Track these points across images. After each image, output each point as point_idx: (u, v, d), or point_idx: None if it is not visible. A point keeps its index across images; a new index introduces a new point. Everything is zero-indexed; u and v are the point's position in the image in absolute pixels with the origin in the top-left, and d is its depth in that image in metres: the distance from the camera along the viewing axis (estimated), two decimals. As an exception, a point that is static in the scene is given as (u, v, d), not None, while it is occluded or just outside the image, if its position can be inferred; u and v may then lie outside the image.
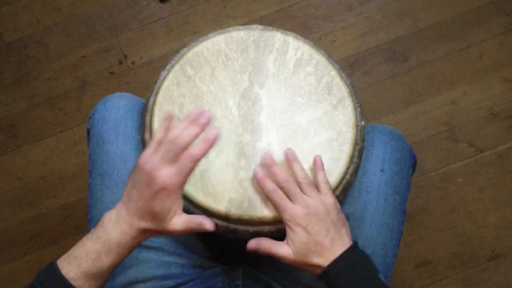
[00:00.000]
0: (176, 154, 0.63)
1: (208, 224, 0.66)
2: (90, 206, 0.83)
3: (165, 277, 0.80)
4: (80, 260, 0.64)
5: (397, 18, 1.32)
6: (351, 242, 0.69)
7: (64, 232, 1.28)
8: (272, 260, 0.84)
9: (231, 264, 0.83)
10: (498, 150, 1.25)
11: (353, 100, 0.79)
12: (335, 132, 0.77)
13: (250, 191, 0.73)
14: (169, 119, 0.67)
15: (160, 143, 0.65)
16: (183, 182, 0.64)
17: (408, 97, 1.28)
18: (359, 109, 0.79)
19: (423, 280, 1.21)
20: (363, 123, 0.79)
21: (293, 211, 0.68)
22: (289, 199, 0.70)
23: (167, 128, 0.67)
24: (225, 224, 0.73)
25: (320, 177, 0.72)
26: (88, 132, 0.86)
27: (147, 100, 0.79)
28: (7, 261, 1.28)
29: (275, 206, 0.70)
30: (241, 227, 0.73)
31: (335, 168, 0.75)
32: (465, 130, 1.26)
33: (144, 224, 0.65)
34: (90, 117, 0.86)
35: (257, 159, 0.75)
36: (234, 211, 0.72)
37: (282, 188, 0.70)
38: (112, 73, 1.34)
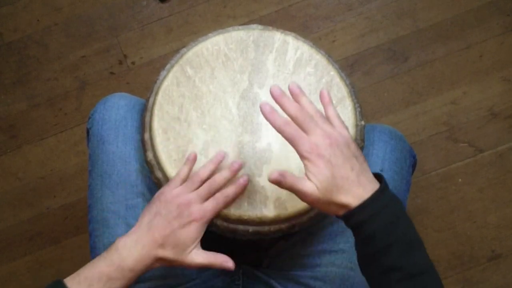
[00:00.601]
0: (210, 193, 0.71)
1: (230, 263, 0.70)
2: (90, 206, 0.83)
3: (165, 277, 0.80)
4: (91, 281, 0.65)
5: (397, 18, 1.32)
6: (377, 182, 0.62)
7: (64, 232, 1.28)
8: (272, 260, 0.84)
9: (231, 264, 0.84)
10: (498, 150, 1.24)
11: (353, 100, 0.79)
12: (335, 132, 0.76)
13: (250, 191, 0.73)
14: (193, 160, 0.73)
15: (183, 179, 0.71)
16: (212, 218, 0.71)
17: (408, 97, 1.28)
18: (359, 109, 0.79)
19: (423, 280, 1.20)
20: (363, 122, 0.79)
21: (313, 141, 0.60)
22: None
23: (191, 168, 0.73)
24: (225, 224, 0.73)
25: (331, 112, 0.66)
26: (88, 132, 0.85)
27: (147, 100, 0.79)
28: (7, 261, 1.28)
29: (290, 141, 0.61)
30: (240, 227, 0.73)
31: (335, 168, 0.75)
32: (465, 130, 1.26)
33: (163, 253, 0.67)
34: (90, 117, 0.86)
35: (257, 159, 0.75)
36: (234, 211, 0.72)
37: (295, 120, 0.62)
38: (112, 73, 1.34)
